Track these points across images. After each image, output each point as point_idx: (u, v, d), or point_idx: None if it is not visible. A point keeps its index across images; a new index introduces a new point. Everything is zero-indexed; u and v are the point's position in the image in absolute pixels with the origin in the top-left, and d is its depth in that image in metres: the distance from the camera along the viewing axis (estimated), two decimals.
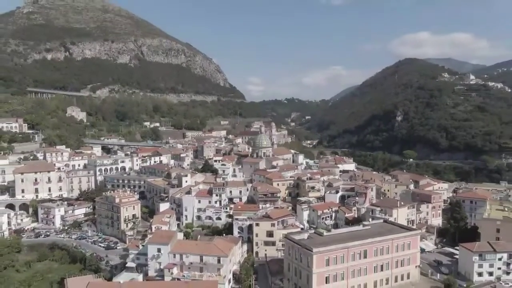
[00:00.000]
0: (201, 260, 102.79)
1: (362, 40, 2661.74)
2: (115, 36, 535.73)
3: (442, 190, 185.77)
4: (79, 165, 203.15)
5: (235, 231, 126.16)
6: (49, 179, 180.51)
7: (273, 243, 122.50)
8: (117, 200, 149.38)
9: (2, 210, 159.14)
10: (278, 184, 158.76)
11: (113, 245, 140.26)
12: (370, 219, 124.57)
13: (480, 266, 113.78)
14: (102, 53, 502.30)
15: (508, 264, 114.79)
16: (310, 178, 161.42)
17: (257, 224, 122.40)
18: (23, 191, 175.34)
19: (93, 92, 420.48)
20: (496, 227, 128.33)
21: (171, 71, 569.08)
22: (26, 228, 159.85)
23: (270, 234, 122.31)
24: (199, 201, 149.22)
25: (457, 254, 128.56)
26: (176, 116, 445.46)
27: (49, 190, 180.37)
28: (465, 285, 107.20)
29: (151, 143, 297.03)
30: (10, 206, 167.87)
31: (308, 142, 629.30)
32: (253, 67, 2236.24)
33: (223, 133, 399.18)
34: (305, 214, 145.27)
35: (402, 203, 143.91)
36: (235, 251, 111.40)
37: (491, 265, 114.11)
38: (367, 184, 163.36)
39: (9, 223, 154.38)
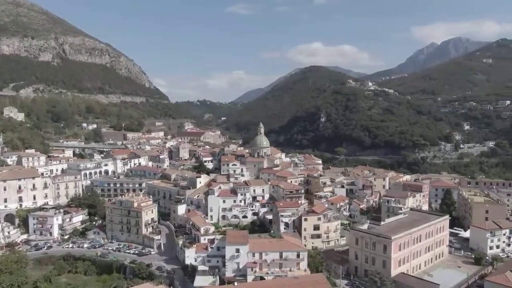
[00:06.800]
0: (281, 256, 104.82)
1: (262, 48, 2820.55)
2: (34, 32, 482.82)
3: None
4: (57, 170, 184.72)
5: (281, 227, 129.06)
6: (33, 186, 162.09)
7: (319, 236, 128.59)
8: (135, 205, 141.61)
9: None
10: (291, 181, 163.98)
11: (144, 250, 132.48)
12: (403, 208, 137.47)
13: (492, 241, 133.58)
14: (22, 50, 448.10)
15: (509, 238, 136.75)
16: (321, 175, 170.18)
17: (305, 219, 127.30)
18: (5, 200, 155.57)
19: (17, 91, 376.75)
20: (485, 209, 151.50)
21: (97, 71, 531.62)
22: (18, 241, 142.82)
23: (316, 227, 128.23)
24: (224, 201, 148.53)
25: (457, 233, 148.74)
26: (110, 117, 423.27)
27: (34, 198, 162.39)
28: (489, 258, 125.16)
29: (105, 145, 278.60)
30: None
31: (234, 141, 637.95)
32: (158, 68, 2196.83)
33: (161, 134, 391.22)
34: None
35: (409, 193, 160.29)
36: None
37: (498, 240, 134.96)
38: (368, 178, 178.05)
39: None
